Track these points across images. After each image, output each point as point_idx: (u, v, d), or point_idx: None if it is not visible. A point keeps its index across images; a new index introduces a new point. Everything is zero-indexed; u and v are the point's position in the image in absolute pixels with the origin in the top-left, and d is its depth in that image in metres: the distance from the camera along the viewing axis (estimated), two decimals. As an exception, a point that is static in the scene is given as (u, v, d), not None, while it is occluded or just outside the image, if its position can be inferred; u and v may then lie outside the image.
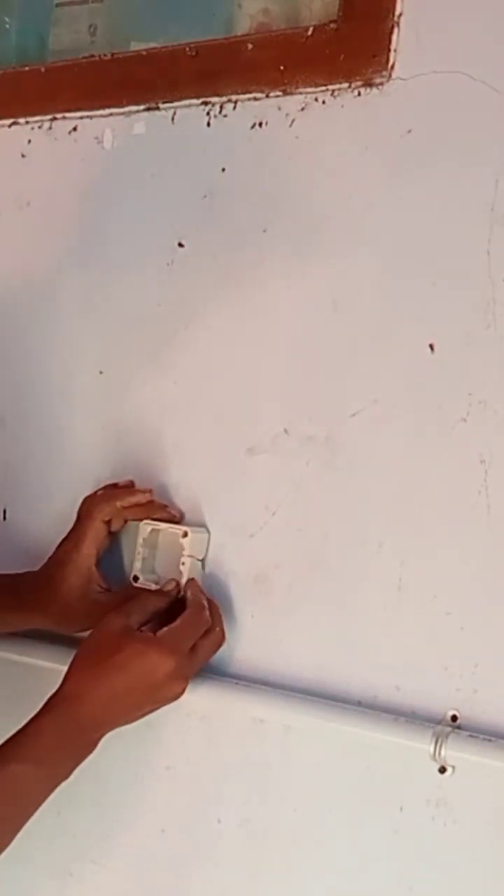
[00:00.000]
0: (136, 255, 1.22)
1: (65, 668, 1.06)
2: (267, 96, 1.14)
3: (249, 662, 1.11)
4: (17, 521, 1.29)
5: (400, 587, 1.03)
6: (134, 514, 1.16)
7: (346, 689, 1.04)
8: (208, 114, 1.18)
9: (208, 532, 1.14)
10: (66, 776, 1.03)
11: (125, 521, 1.17)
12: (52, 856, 1.23)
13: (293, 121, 1.13)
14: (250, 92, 1.15)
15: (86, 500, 1.18)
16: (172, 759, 1.16)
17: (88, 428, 1.24)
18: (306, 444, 1.09)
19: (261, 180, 1.14)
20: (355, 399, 1.06)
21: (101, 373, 1.24)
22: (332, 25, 1.09)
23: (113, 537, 1.18)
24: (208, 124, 1.18)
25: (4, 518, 1.30)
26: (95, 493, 1.18)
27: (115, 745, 1.07)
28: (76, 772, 1.03)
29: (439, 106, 1.04)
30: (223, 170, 1.17)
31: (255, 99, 1.15)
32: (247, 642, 1.11)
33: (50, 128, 1.29)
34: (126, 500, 1.16)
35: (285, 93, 1.13)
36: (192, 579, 1.11)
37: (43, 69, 1.31)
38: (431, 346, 1.03)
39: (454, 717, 0.99)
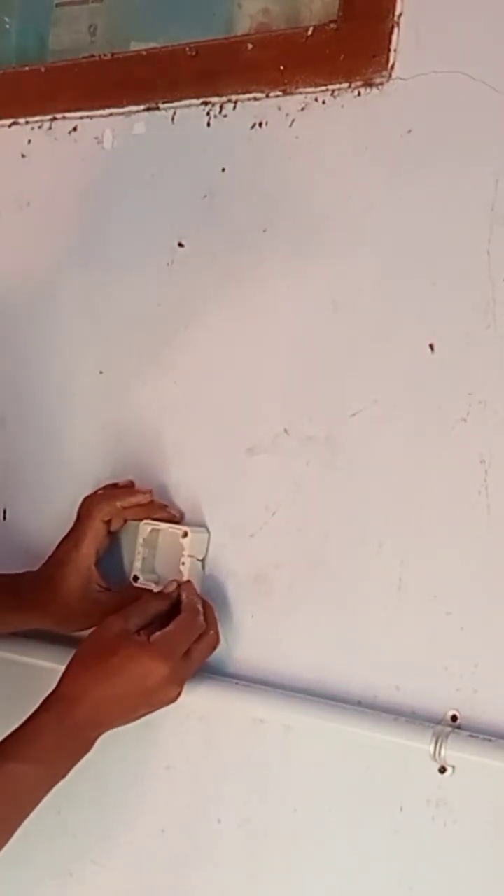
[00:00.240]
0: (136, 255, 1.22)
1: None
2: (267, 96, 1.14)
3: (249, 662, 1.11)
4: (17, 521, 1.29)
5: (400, 587, 1.03)
6: (134, 513, 1.16)
7: (346, 689, 1.04)
8: (208, 114, 1.18)
9: (208, 532, 1.14)
10: (64, 775, 1.03)
11: (125, 521, 1.17)
12: (52, 856, 1.23)
13: (293, 121, 1.13)
14: (250, 92, 1.15)
15: (86, 499, 1.18)
16: (172, 760, 1.16)
17: (88, 428, 1.24)
18: (306, 444, 1.09)
19: (261, 180, 1.14)
20: (355, 399, 1.06)
21: (101, 373, 1.24)
22: (332, 25, 1.10)
23: (113, 537, 1.18)
24: (208, 124, 1.18)
25: (4, 518, 1.30)
26: (95, 493, 1.18)
27: (115, 745, 1.07)
28: (76, 771, 1.04)
29: (439, 106, 1.04)
30: (223, 170, 1.17)
31: (255, 99, 1.15)
32: (246, 642, 1.11)
33: (50, 128, 1.29)
34: (126, 500, 1.16)
35: (285, 93, 1.13)
36: (188, 581, 1.11)
37: (43, 69, 1.31)
38: (431, 346, 1.03)
39: (454, 717, 0.99)
